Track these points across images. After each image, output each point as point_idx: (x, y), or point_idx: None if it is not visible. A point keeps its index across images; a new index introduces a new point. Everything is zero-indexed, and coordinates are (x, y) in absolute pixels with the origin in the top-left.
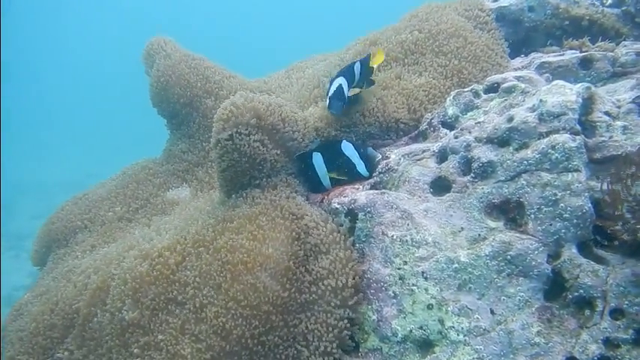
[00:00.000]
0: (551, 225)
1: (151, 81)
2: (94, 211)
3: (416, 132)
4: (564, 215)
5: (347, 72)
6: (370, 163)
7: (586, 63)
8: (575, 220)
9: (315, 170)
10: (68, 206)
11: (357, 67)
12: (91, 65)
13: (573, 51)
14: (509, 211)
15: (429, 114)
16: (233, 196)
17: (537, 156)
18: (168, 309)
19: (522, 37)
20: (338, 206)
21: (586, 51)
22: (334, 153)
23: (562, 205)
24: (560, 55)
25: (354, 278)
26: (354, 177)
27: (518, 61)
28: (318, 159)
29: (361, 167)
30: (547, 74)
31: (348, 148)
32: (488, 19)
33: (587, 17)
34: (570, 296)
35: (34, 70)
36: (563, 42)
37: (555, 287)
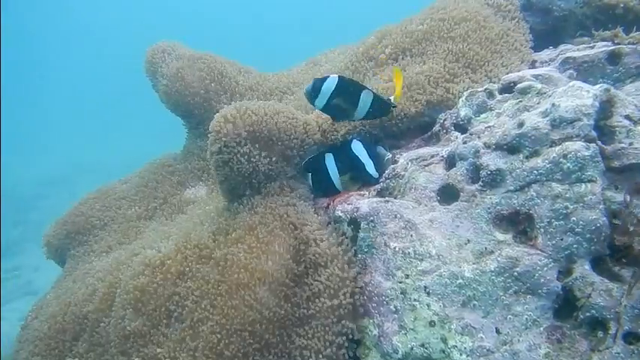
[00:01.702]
0: (562, 240)
1: (161, 84)
2: (114, 209)
3: (429, 133)
4: (576, 230)
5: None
6: (379, 162)
7: (614, 58)
8: (588, 235)
9: (327, 173)
10: (89, 201)
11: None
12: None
13: (604, 43)
14: (519, 223)
15: (443, 114)
16: (234, 204)
17: (548, 165)
18: (168, 321)
19: (551, 27)
20: (341, 214)
21: (618, 42)
22: (345, 153)
23: (574, 218)
24: (589, 48)
25: (352, 293)
26: (364, 177)
27: (545, 53)
28: (330, 161)
29: (370, 167)
30: (571, 70)
31: (357, 147)
32: (512, 8)
33: (622, 4)
34: (582, 316)
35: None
36: (593, 32)
37: (566, 306)
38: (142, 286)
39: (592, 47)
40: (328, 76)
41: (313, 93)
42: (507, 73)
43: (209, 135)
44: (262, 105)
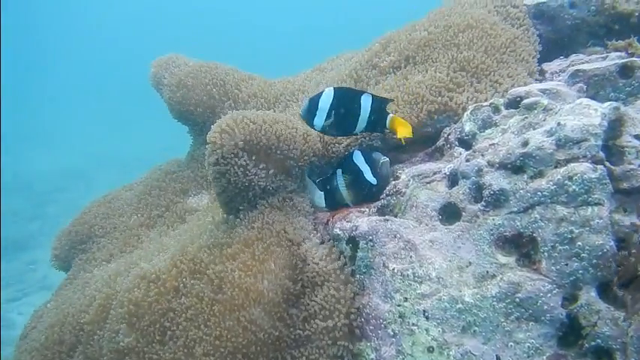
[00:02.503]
0: (567, 265)
1: (165, 94)
2: (117, 217)
3: (432, 147)
4: (582, 255)
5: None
6: (375, 167)
7: (626, 71)
8: (594, 261)
9: (338, 189)
10: (93, 209)
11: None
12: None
13: (617, 53)
14: (523, 246)
15: (447, 128)
16: (231, 217)
17: (553, 187)
18: (162, 338)
19: (563, 36)
20: (339, 232)
21: (632, 53)
22: (349, 165)
23: (579, 243)
24: (601, 59)
25: (348, 315)
26: (365, 186)
27: (556, 64)
28: (339, 177)
29: (368, 174)
30: (581, 84)
31: (358, 157)
32: (521, 15)
33: (637, 13)
34: (587, 345)
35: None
36: (606, 42)
37: (571, 333)
38: (136, 300)
39: (604, 58)
40: (323, 91)
41: (310, 112)
42: (513, 84)
43: (207, 146)
44: (261, 114)
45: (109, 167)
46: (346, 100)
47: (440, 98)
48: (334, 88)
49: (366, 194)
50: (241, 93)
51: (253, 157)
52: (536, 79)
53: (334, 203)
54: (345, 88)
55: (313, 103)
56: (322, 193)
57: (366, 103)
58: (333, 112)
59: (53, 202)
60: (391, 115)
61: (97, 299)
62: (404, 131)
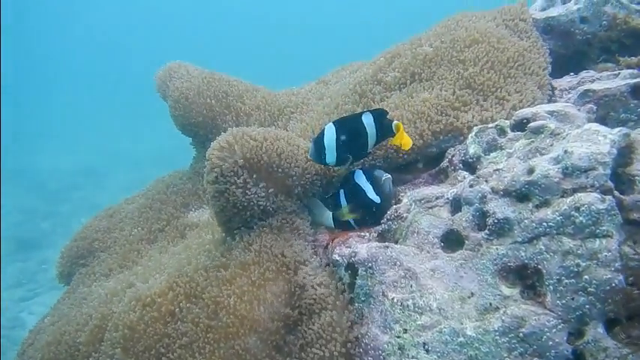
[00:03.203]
0: (573, 299)
1: (169, 104)
2: (118, 230)
3: (436, 168)
4: (589, 289)
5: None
6: (377, 185)
7: (638, 91)
8: (602, 295)
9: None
10: (94, 223)
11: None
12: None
13: (630, 71)
14: (527, 277)
15: (452, 149)
16: (229, 237)
17: (558, 218)
18: None
19: (573, 51)
20: (338, 258)
21: None
22: (351, 185)
23: (586, 277)
24: (612, 76)
25: (344, 344)
26: (368, 205)
27: (565, 81)
28: (342, 198)
29: (371, 193)
30: (590, 104)
31: (359, 176)
32: (530, 28)
33: None
34: None
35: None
36: (618, 58)
37: None
38: (131, 323)
39: (616, 76)
40: (324, 129)
41: (318, 152)
42: (521, 99)
43: (206, 163)
44: (262, 131)
45: (122, 165)
46: (348, 127)
47: (445, 118)
48: (333, 122)
49: (369, 213)
50: (244, 106)
51: (254, 176)
52: (548, 93)
53: (339, 223)
54: (343, 118)
55: (319, 145)
56: (330, 213)
57: (368, 120)
58: (342, 143)
59: (66, 200)
60: (395, 121)
61: (94, 319)
62: (405, 140)
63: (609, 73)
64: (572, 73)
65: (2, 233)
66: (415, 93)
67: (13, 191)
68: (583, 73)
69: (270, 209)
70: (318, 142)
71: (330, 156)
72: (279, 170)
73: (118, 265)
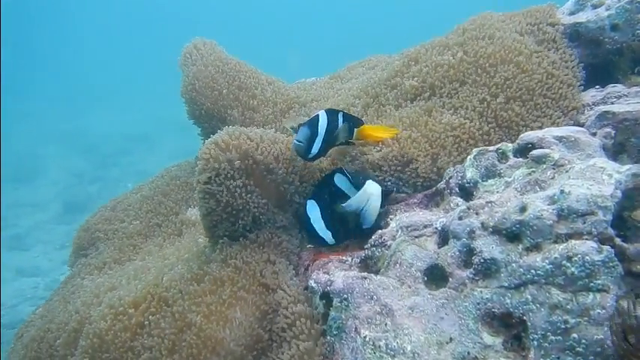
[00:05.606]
0: (558, 359)
1: (181, 90)
2: (118, 222)
3: (433, 190)
4: (577, 349)
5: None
6: (359, 188)
7: None
8: (591, 357)
9: (310, 223)
10: (98, 214)
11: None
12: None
13: None
14: (512, 326)
15: (451, 169)
16: (208, 249)
17: (548, 267)
18: None
19: (602, 61)
20: (314, 285)
21: None
22: (330, 192)
23: (575, 335)
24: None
25: None
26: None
27: (590, 95)
28: (312, 208)
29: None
30: (608, 128)
31: (342, 181)
32: (558, 37)
33: None
34: None
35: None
36: None
37: None
38: (100, 333)
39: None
40: (318, 115)
41: (310, 138)
42: None
43: (198, 162)
44: (259, 132)
45: (170, 132)
46: (333, 122)
47: (463, 154)
48: (325, 111)
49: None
50: (254, 100)
51: (248, 180)
52: (572, 114)
53: (311, 240)
54: (332, 110)
55: (313, 130)
56: (330, 232)
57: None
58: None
59: (115, 165)
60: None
61: (72, 321)
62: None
63: (638, 89)
64: (597, 86)
65: (53, 197)
66: (435, 111)
67: (65, 154)
68: (609, 88)
69: (262, 218)
70: (313, 127)
71: (316, 146)
72: (274, 175)
73: (112, 259)
